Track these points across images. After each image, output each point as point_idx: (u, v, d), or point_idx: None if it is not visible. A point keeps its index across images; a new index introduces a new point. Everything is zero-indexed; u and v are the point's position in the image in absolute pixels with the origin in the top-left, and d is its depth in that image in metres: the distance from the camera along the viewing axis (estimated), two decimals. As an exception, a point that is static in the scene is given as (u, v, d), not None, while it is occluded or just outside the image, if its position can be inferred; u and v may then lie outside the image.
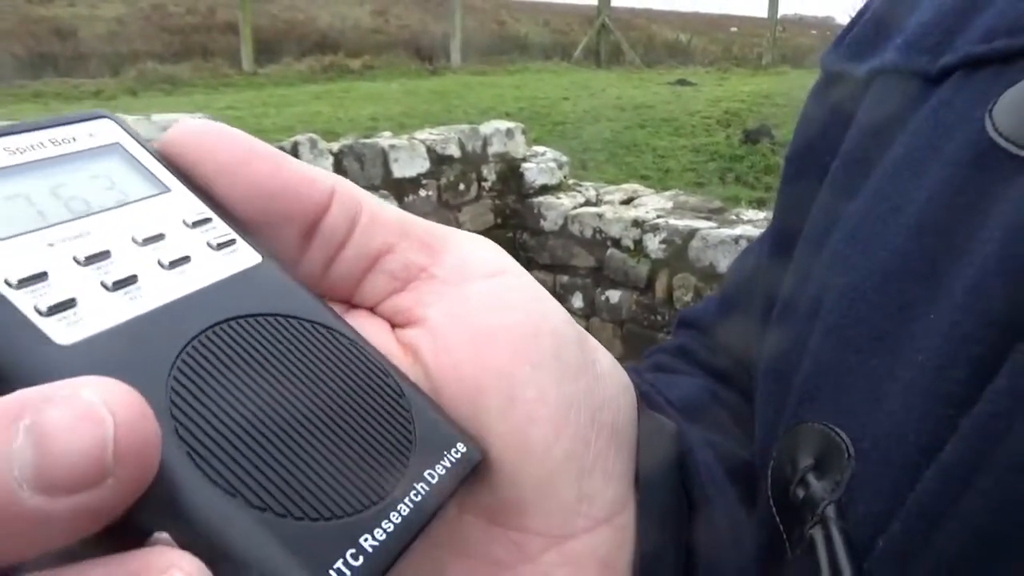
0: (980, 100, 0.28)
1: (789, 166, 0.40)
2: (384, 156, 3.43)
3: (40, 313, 0.19)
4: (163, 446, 0.17)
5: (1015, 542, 0.21)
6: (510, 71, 9.60)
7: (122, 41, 9.63)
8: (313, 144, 3.25)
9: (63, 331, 0.19)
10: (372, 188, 3.39)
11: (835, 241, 0.32)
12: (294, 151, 3.19)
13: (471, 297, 0.25)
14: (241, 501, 0.18)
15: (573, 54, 11.45)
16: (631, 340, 3.38)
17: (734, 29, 15.68)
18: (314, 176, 0.25)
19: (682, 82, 8.36)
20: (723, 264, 3.03)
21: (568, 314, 0.27)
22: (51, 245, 0.20)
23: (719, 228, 3.18)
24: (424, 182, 3.56)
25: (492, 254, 0.27)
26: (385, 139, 3.53)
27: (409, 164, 3.50)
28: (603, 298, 3.49)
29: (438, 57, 10.30)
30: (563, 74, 9.59)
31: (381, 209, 0.26)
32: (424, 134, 3.66)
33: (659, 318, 3.29)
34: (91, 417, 0.15)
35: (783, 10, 11.92)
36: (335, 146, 3.36)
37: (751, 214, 3.41)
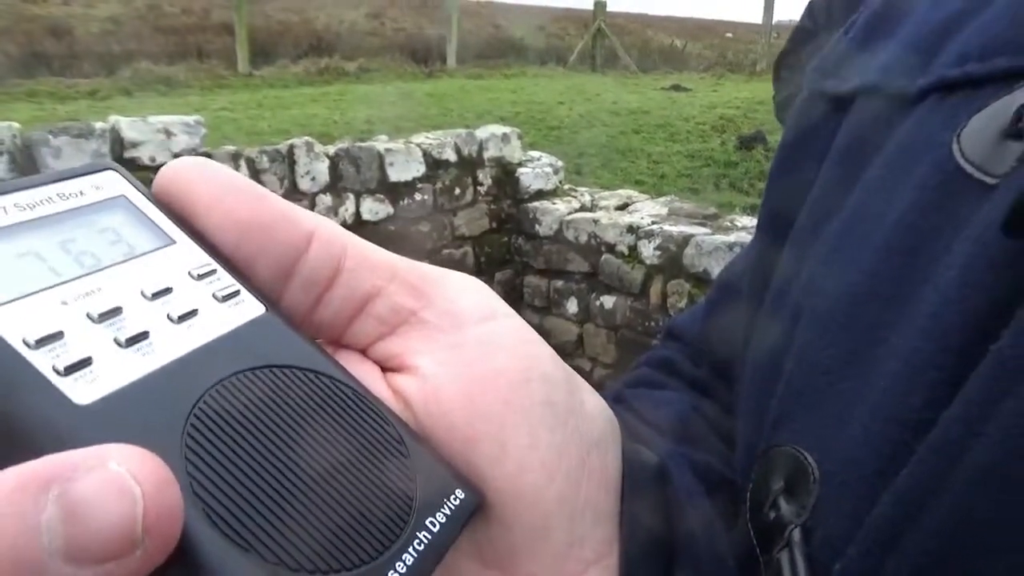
0: (950, 124, 0.28)
1: (774, 183, 0.40)
2: (380, 160, 3.43)
3: (58, 373, 0.19)
4: None
5: (967, 568, 0.22)
6: (506, 75, 9.61)
7: (117, 41, 9.59)
8: (309, 147, 3.24)
9: (81, 390, 0.19)
10: (367, 192, 3.39)
11: (812, 260, 0.32)
12: (290, 154, 3.19)
13: (461, 344, 0.25)
14: (255, 556, 0.18)
15: (569, 58, 11.46)
16: (625, 346, 3.39)
17: (729, 35, 15.71)
18: (294, 216, 0.25)
19: (677, 87, 8.39)
20: (717, 270, 3.03)
21: (556, 355, 0.27)
22: (65, 303, 0.20)
23: (714, 234, 3.18)
24: (420, 186, 3.56)
25: (481, 297, 0.27)
26: (381, 143, 3.52)
27: (405, 168, 3.50)
28: (597, 304, 3.49)
29: (434, 60, 10.29)
30: (559, 78, 9.59)
31: (368, 251, 0.26)
32: (420, 138, 3.65)
33: (653, 324, 3.29)
34: (120, 489, 0.16)
35: (778, 16, 11.95)
36: (331, 149, 3.35)
37: (745, 220, 3.42)
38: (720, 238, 3.13)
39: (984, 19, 0.30)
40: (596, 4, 11.92)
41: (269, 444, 0.20)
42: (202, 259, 0.24)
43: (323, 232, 0.25)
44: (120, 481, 0.16)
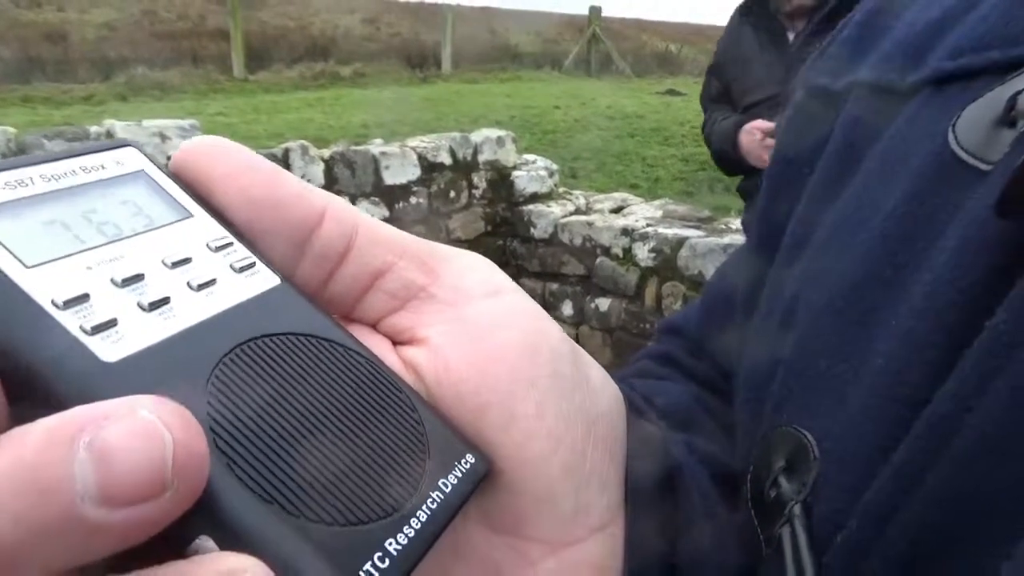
0: (945, 115, 0.29)
1: (770, 181, 0.41)
2: (375, 163, 3.43)
3: (86, 332, 0.20)
4: None
5: (963, 536, 0.22)
6: (501, 79, 9.63)
7: (112, 46, 9.59)
8: (304, 151, 3.25)
9: (107, 349, 0.20)
10: (363, 195, 3.39)
11: (809, 252, 0.33)
12: (285, 158, 3.19)
13: (470, 317, 0.26)
14: (277, 508, 0.19)
15: (564, 63, 11.48)
16: (620, 348, 3.39)
17: (723, 40, 15.71)
18: (307, 194, 0.25)
19: (671, 92, 8.42)
20: (711, 272, 3.03)
21: (562, 331, 0.28)
22: (89, 268, 0.21)
23: (708, 237, 3.19)
24: (415, 189, 3.56)
25: (488, 273, 0.28)
26: (376, 146, 3.53)
27: (400, 171, 3.50)
28: (592, 306, 3.50)
29: (429, 65, 10.31)
30: (554, 83, 9.62)
31: (379, 229, 0.27)
32: (415, 141, 3.66)
33: (648, 326, 3.29)
34: (151, 434, 0.16)
35: (772, 21, 11.95)
36: (326, 153, 3.35)
37: (740, 223, 3.43)
38: (714, 240, 3.14)
39: (977, 14, 0.31)
40: (591, 9, 11.95)
41: (288, 405, 0.21)
42: (219, 232, 0.24)
43: (335, 210, 0.26)
44: (151, 427, 0.16)
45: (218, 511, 0.18)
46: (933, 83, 0.31)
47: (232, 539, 0.18)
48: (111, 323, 0.20)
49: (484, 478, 0.24)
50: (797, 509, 0.27)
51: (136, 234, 0.23)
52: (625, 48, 12.67)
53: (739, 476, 0.33)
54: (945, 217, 0.27)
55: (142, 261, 0.22)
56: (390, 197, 3.48)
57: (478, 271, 0.27)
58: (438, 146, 3.64)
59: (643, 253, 3.30)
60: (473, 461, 0.24)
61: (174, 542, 0.18)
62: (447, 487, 0.23)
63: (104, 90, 7.24)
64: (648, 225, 3.38)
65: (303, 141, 3.32)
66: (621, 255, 3.38)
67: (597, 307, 3.48)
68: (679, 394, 0.41)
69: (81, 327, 0.20)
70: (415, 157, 3.55)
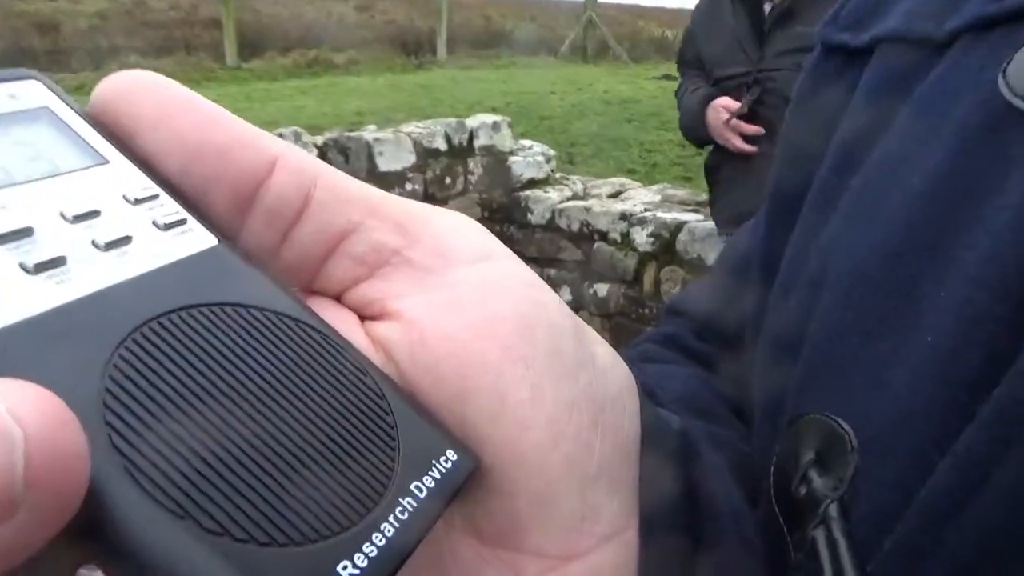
0: (991, 62, 0.26)
1: (783, 140, 0.38)
2: (369, 149, 3.40)
3: None
4: (94, 460, 0.14)
5: None
6: (497, 66, 9.60)
7: (104, 36, 9.56)
8: (297, 137, 3.22)
9: None
10: (357, 182, 3.37)
11: (835, 218, 0.30)
12: (278, 144, 3.17)
13: (452, 285, 0.22)
14: (192, 524, 0.15)
15: (560, 49, 11.45)
16: (619, 333, 3.38)
17: (720, 25, 15.74)
18: (254, 139, 0.21)
19: (668, 77, 8.39)
20: (711, 256, 3.03)
21: (563, 303, 0.23)
22: None
23: (707, 221, 3.17)
24: (410, 176, 3.54)
25: (476, 235, 0.23)
26: (370, 132, 3.50)
27: (395, 158, 3.48)
28: (591, 291, 3.48)
29: (424, 52, 10.28)
30: (550, 69, 9.59)
31: (343, 182, 0.22)
32: (410, 127, 3.63)
33: (647, 311, 3.28)
34: None
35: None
36: (319, 140, 3.33)
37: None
38: (713, 224, 3.11)
39: None
40: (587, -5, 11.90)
41: (215, 393, 0.17)
42: (142, 182, 0.20)
43: (289, 159, 0.21)
44: None
45: (110, 532, 0.14)
46: (974, 30, 0.28)
47: (130, 568, 0.14)
48: None
49: (469, 479, 0.20)
50: (833, 509, 0.24)
51: (29, 181, 0.19)
52: (621, 34, 12.64)
53: (759, 470, 0.29)
54: (1000, 172, 0.24)
55: (32, 213, 0.18)
56: (385, 184, 3.45)
57: (464, 233, 0.23)
58: (433, 132, 3.61)
59: (641, 238, 3.28)
60: (455, 458, 0.20)
61: (54, 574, 0.14)
62: (422, 491, 0.19)
63: (96, 79, 7.12)
64: (646, 210, 3.36)
65: (296, 128, 3.29)
66: (619, 240, 3.36)
67: (595, 292, 3.46)
68: (687, 379, 0.38)
69: None
70: (410, 143, 3.52)
